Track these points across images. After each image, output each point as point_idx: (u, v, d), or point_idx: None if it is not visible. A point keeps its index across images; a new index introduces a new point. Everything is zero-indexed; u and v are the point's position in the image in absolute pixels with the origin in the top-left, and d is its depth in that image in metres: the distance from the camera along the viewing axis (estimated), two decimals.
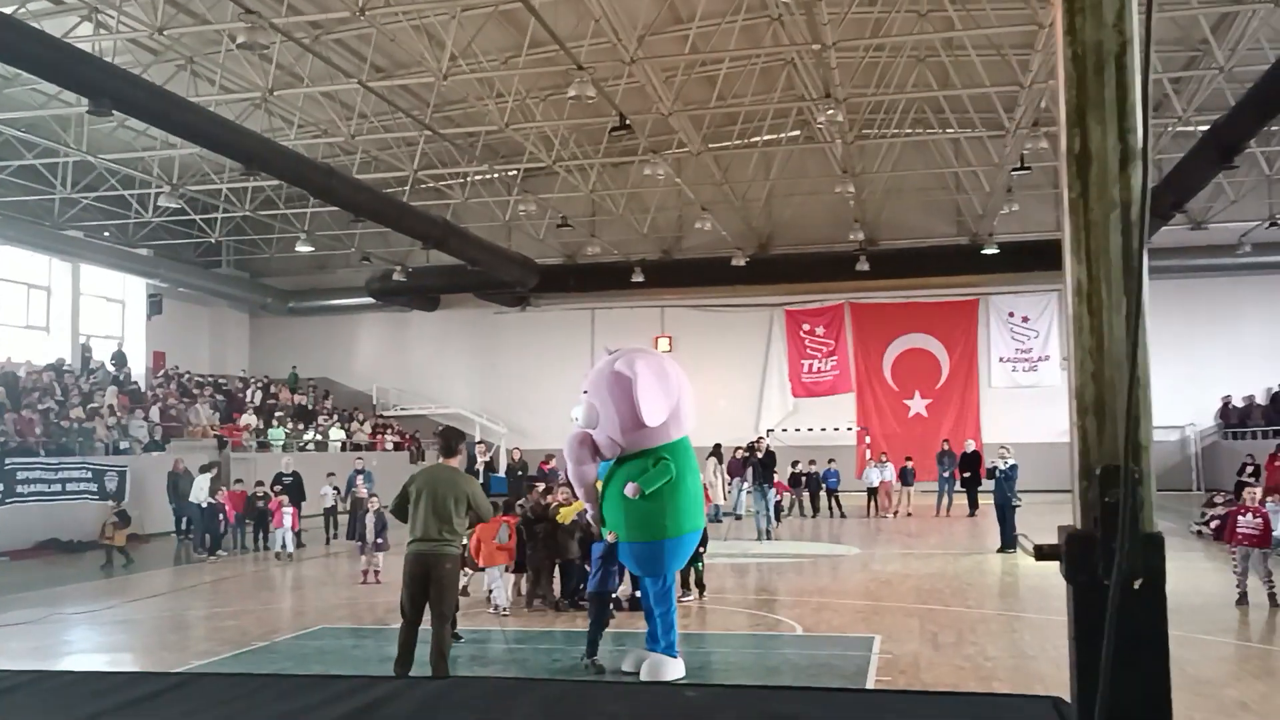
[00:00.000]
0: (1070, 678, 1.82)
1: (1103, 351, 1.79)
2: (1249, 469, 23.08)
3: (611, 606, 10.27)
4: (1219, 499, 20.27)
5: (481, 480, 23.48)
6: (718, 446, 25.70)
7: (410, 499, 8.42)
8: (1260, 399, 31.54)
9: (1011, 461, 18.69)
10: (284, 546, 19.01)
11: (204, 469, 21.13)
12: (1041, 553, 1.85)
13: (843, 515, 25.70)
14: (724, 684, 7.91)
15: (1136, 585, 1.70)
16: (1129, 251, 1.79)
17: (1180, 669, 8.53)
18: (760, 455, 22.04)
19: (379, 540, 15.43)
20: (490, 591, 12.41)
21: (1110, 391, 1.77)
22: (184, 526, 21.51)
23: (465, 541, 10.42)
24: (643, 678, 8.54)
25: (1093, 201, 1.83)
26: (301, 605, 13.67)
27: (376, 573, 15.30)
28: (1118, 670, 1.63)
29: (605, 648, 9.52)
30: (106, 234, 31.37)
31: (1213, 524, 18.92)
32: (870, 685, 8.40)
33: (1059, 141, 1.90)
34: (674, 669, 8.69)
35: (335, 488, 21.83)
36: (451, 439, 8.97)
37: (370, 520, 15.56)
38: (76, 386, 26.62)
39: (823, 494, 26.58)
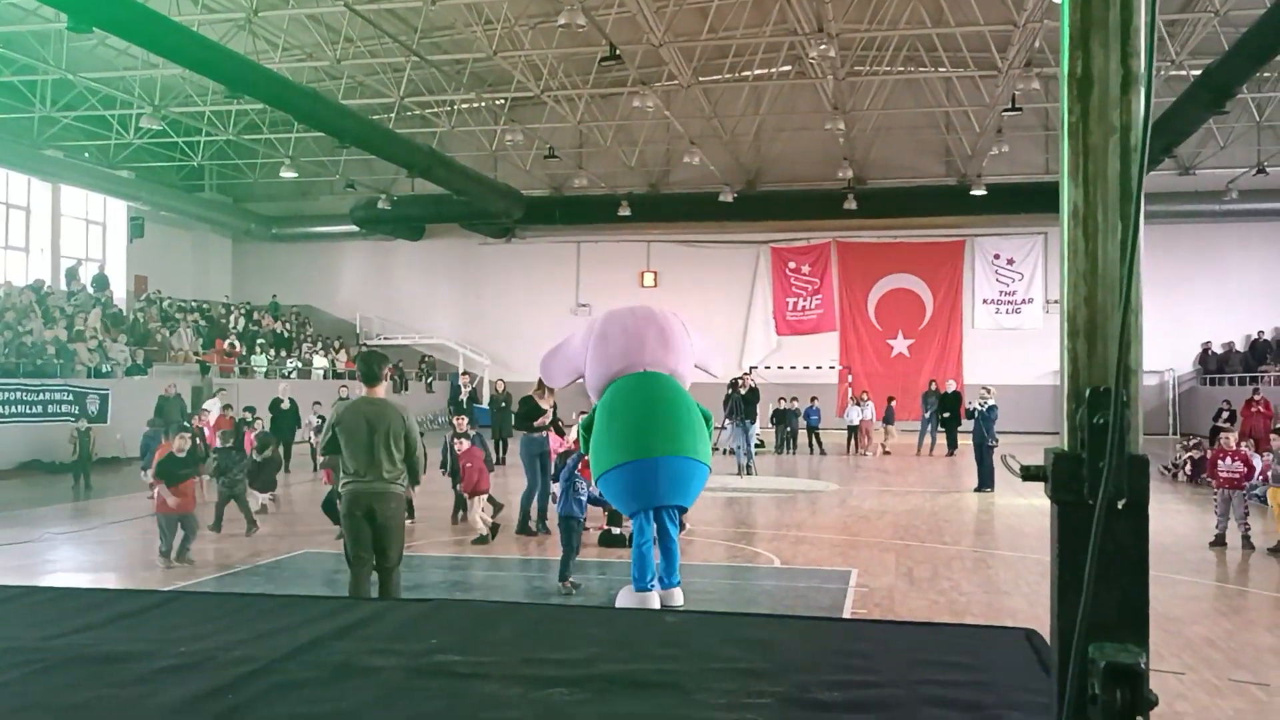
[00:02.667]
0: (1050, 592, 1.86)
1: (1096, 275, 1.81)
2: (1225, 414, 23.34)
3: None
4: (1193, 443, 20.50)
5: (465, 410, 23.56)
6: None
7: (340, 437, 7.53)
8: (1240, 346, 31.81)
9: (991, 402, 18.80)
10: None
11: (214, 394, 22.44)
12: (1028, 473, 1.89)
13: (823, 452, 25.93)
14: (704, 610, 8.02)
15: (1121, 505, 1.74)
16: (1127, 176, 1.80)
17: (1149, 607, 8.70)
18: (743, 391, 22.11)
19: None
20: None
21: (1102, 315, 1.79)
22: None
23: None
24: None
25: (1092, 125, 1.82)
26: (285, 530, 13.74)
27: None
28: (1099, 585, 1.67)
29: (584, 576, 9.65)
30: (87, 154, 30.95)
31: (1188, 467, 19.18)
32: (846, 616, 8.54)
33: (1060, 63, 1.90)
34: (627, 599, 8.72)
35: (321, 416, 21.90)
36: (373, 364, 7.91)
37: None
38: (59, 308, 26.43)
39: (802, 431, 26.77)
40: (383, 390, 7.89)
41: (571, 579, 9.54)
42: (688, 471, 8.87)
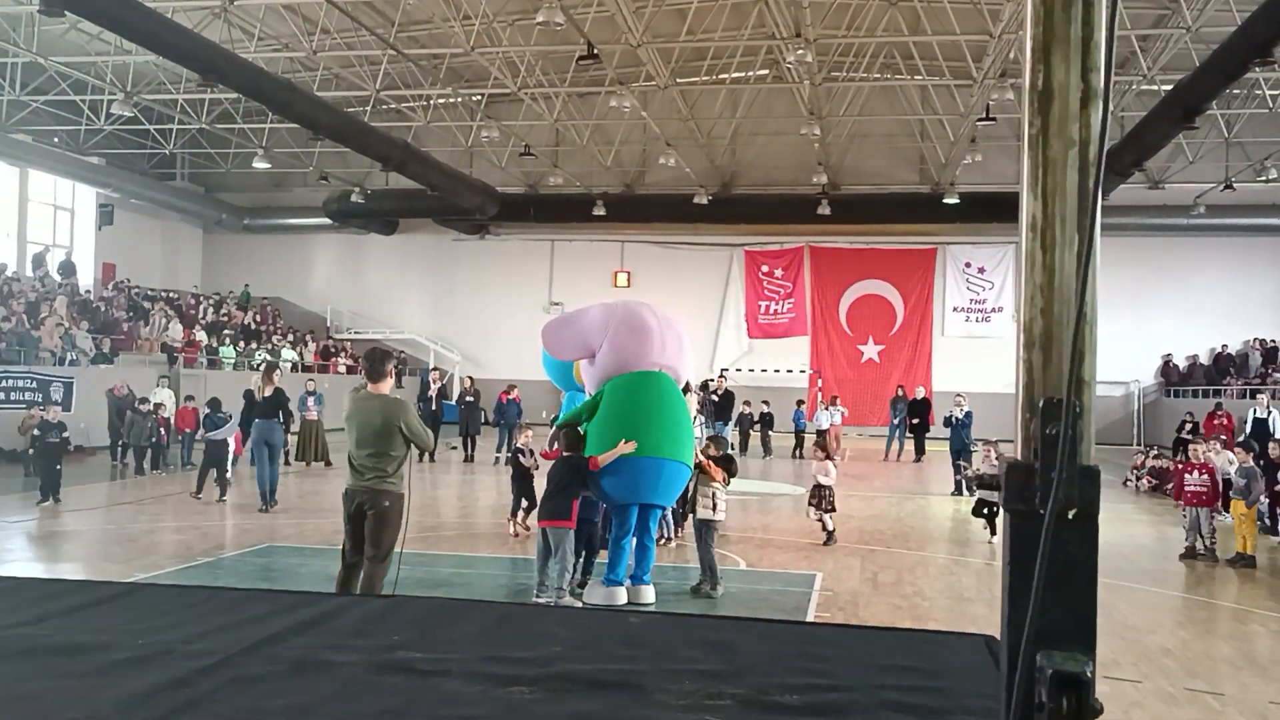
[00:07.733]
0: (1001, 599, 1.89)
1: (1053, 287, 1.83)
2: (1188, 426, 23.60)
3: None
4: (1154, 453, 20.72)
5: (434, 407, 23.47)
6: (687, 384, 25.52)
7: (347, 432, 7.64)
8: (1204, 359, 32.18)
9: (967, 409, 18.99)
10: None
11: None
12: (982, 481, 1.92)
13: (801, 456, 25.83)
14: (667, 611, 8.04)
15: (1071, 515, 1.76)
16: (1084, 190, 1.82)
17: (1107, 615, 8.79)
18: (718, 395, 22.14)
19: None
20: None
21: (1058, 326, 1.81)
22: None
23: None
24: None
25: (1052, 138, 1.85)
26: (248, 523, 13.65)
27: None
28: (1049, 593, 1.69)
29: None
30: (56, 140, 30.59)
31: (1146, 480, 19.38)
32: (809, 620, 8.57)
33: (1023, 77, 1.92)
34: (599, 595, 8.88)
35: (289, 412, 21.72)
36: (377, 362, 7.88)
37: None
38: (24, 295, 26.11)
39: (778, 434, 26.74)
40: (386, 387, 7.82)
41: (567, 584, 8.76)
42: (679, 475, 9.29)
